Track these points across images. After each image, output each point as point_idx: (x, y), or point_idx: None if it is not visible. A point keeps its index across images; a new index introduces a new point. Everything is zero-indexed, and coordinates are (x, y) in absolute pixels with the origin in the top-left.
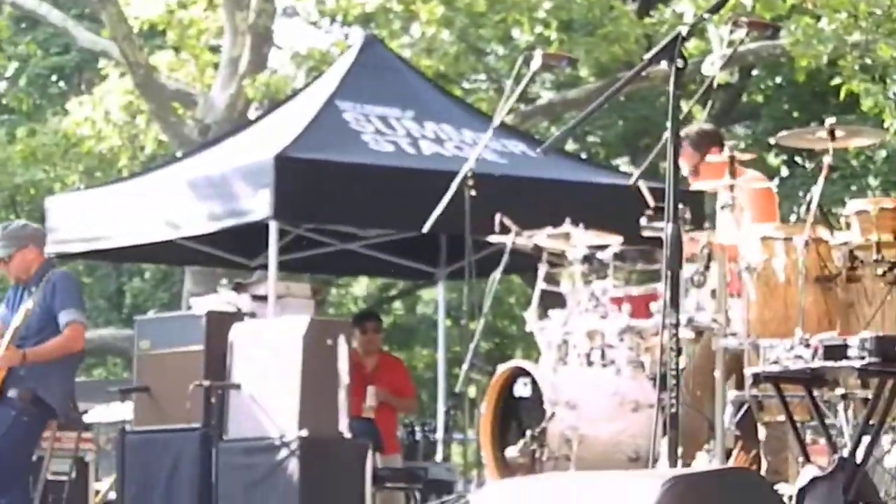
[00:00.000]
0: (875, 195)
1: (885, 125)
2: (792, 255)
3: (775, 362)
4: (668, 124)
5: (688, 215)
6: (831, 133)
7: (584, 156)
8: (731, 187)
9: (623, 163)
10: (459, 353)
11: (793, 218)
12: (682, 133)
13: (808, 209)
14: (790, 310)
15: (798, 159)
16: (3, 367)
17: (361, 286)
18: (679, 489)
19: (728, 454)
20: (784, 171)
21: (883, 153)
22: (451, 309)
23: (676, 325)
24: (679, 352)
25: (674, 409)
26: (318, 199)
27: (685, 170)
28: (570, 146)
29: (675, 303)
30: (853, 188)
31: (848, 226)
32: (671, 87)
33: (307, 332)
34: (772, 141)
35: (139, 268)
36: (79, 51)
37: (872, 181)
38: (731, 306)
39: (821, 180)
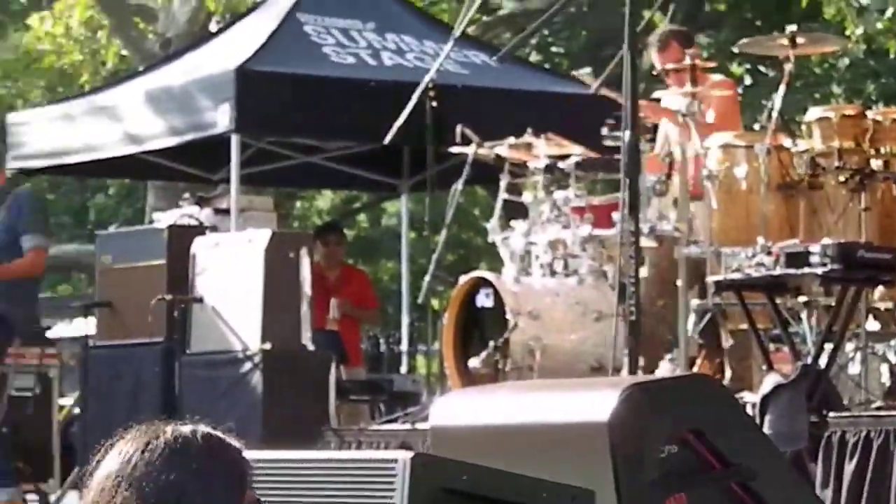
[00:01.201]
0: (839, 103)
1: (847, 32)
2: (754, 163)
3: (737, 270)
4: (626, 31)
5: (649, 123)
6: (792, 40)
7: (547, 66)
8: (693, 95)
9: (586, 74)
10: (424, 265)
11: (756, 126)
12: (663, 31)
13: (769, 117)
14: (752, 217)
15: (761, 68)
16: None
17: (326, 199)
18: (637, 397)
19: (692, 363)
20: (747, 80)
21: (846, 61)
22: (414, 221)
23: (636, 233)
24: (640, 260)
25: (633, 318)
26: (279, 112)
27: (660, 65)
28: (534, 58)
29: (633, 210)
30: (817, 96)
31: (810, 133)
32: None
33: (269, 245)
34: (735, 49)
35: (103, 183)
36: None
37: (836, 89)
38: (694, 214)
39: (782, 88)
